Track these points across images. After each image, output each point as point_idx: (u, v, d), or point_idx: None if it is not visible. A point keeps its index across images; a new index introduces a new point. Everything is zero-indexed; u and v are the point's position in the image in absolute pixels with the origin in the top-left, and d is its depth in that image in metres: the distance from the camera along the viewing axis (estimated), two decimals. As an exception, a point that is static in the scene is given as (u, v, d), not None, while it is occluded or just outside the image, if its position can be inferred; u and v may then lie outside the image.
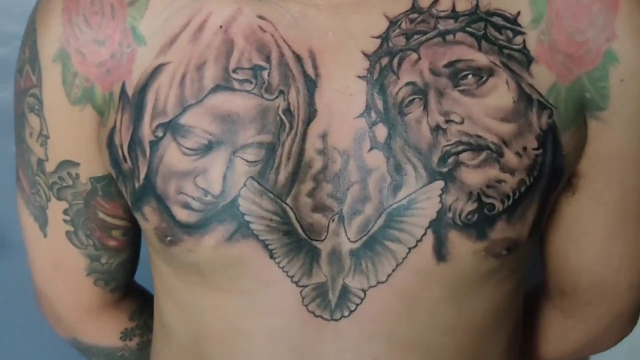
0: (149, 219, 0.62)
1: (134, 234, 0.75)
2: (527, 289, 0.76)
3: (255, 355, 0.63)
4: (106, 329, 0.81)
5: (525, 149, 0.61)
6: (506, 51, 0.61)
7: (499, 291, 0.65)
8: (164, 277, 0.68)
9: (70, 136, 0.66)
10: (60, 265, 0.75)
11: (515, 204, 0.60)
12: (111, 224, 0.72)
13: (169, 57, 0.61)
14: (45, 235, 0.73)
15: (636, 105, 0.64)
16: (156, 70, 0.61)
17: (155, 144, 0.61)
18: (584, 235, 0.71)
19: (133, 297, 0.81)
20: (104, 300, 0.78)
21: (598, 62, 0.62)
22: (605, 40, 0.62)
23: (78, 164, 0.68)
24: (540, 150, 0.61)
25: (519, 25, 0.62)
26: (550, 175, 0.62)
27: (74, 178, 0.68)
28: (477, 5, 0.61)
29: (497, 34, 0.61)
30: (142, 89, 0.61)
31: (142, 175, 0.61)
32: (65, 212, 0.71)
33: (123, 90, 0.62)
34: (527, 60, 0.61)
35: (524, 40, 0.61)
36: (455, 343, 0.64)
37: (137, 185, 0.62)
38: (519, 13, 0.62)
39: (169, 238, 0.61)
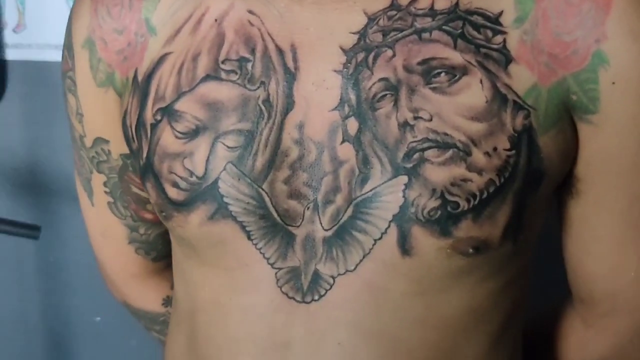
0: (150, 195, 0.68)
1: None
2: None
3: (232, 329, 0.67)
4: (150, 295, 0.88)
5: (495, 149, 0.60)
6: (483, 50, 0.61)
7: (477, 291, 0.65)
8: (174, 249, 0.74)
9: (100, 115, 0.74)
10: (107, 233, 0.83)
11: (482, 203, 0.60)
12: (144, 197, 0.78)
13: (172, 47, 0.67)
14: (92, 205, 0.82)
15: (630, 109, 0.61)
16: (161, 59, 0.67)
17: (154, 126, 0.67)
18: (595, 243, 0.69)
19: None
20: (146, 268, 0.86)
21: (586, 63, 0.60)
22: (594, 41, 0.60)
23: (108, 141, 0.75)
24: (513, 152, 0.61)
25: (500, 25, 0.61)
26: (526, 177, 0.61)
27: (107, 154, 0.76)
28: (457, 3, 0.61)
29: (475, 33, 0.61)
30: (149, 76, 0.68)
31: (144, 155, 0.68)
32: (104, 184, 0.79)
33: (135, 76, 0.69)
34: (506, 60, 0.61)
35: (504, 40, 0.61)
36: (423, 337, 0.64)
37: (141, 163, 0.68)
38: (501, 12, 0.61)
39: (163, 213, 0.67)
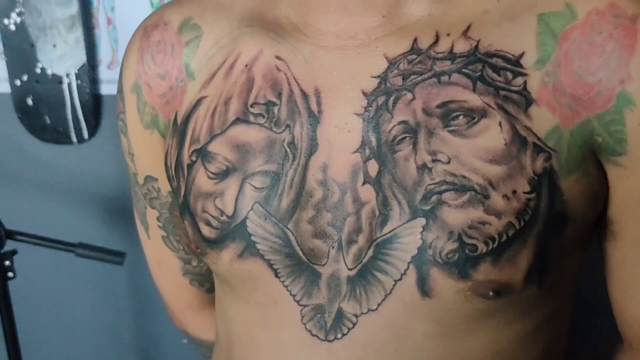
0: (188, 232, 0.71)
1: None
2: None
3: None
4: (205, 325, 0.91)
5: (515, 192, 0.60)
6: (503, 92, 0.60)
7: (503, 333, 0.64)
8: (216, 284, 0.77)
9: (148, 155, 0.78)
10: (163, 264, 0.87)
11: (502, 246, 0.60)
12: None
13: (208, 92, 0.70)
14: (149, 237, 0.86)
15: None
16: (197, 103, 0.70)
17: (190, 167, 0.70)
18: (637, 286, 0.67)
19: None
20: (201, 299, 0.89)
21: (610, 104, 0.59)
22: (619, 82, 0.59)
23: (157, 179, 0.79)
24: (533, 194, 0.60)
25: (521, 67, 0.61)
26: (548, 221, 0.60)
27: (157, 191, 0.80)
28: (476, 47, 0.61)
29: (494, 75, 0.61)
30: (187, 118, 0.71)
31: (182, 193, 0.71)
32: (157, 219, 0.83)
33: (175, 119, 0.72)
34: (527, 102, 0.60)
35: (524, 82, 0.60)
36: None
37: (180, 201, 0.72)
38: (522, 54, 0.61)
39: (199, 250, 0.70)
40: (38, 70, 1.48)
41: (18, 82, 1.50)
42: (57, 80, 1.48)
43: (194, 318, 0.91)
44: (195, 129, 0.70)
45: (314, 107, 0.65)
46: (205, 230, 0.68)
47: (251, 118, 0.67)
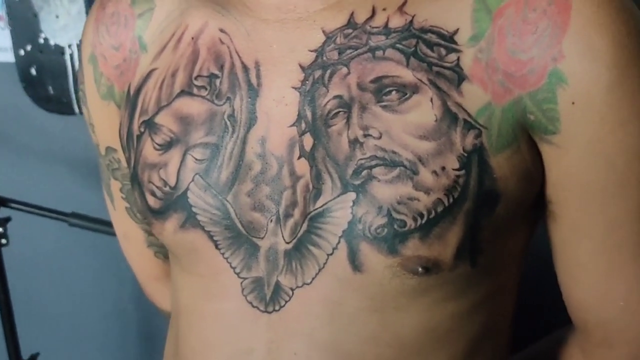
0: (137, 202, 0.72)
1: None
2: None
3: (205, 334, 0.70)
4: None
5: (444, 168, 0.59)
6: (435, 69, 0.60)
7: (437, 311, 0.64)
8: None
9: (107, 125, 0.79)
10: (128, 236, 0.89)
11: (430, 223, 0.59)
12: None
13: (158, 64, 0.70)
14: (115, 209, 0.87)
15: (593, 130, 0.58)
16: (148, 75, 0.71)
17: (139, 138, 0.70)
18: (580, 270, 0.66)
19: None
20: (166, 271, 0.90)
21: (542, 82, 0.58)
22: (551, 60, 0.58)
23: (116, 150, 0.80)
24: (462, 171, 0.59)
25: (455, 43, 0.60)
26: (478, 198, 0.60)
27: (117, 162, 0.81)
28: (411, 22, 0.61)
29: (428, 51, 0.60)
30: (138, 90, 0.72)
31: (132, 164, 0.72)
32: (120, 190, 0.84)
33: (128, 90, 0.73)
34: (459, 78, 0.60)
35: (458, 58, 0.60)
36: (377, 353, 0.64)
37: (131, 172, 0.72)
38: (457, 30, 0.60)
39: (146, 220, 0.71)
40: (41, 41, 1.50)
41: (22, 52, 1.52)
42: (60, 51, 1.50)
43: (159, 289, 0.92)
44: (145, 101, 0.70)
45: (254, 80, 0.65)
46: (151, 201, 0.69)
47: (195, 90, 0.67)
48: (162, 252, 0.88)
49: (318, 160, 0.62)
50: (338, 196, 0.61)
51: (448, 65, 0.60)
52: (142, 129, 0.70)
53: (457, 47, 0.60)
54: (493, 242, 0.62)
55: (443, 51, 0.60)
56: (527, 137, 0.60)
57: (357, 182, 0.60)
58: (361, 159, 0.60)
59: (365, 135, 0.60)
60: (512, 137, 0.60)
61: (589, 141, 0.59)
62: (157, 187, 0.68)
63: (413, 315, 0.64)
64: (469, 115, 0.59)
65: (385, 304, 0.63)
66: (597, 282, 0.65)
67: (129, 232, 0.88)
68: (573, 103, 0.58)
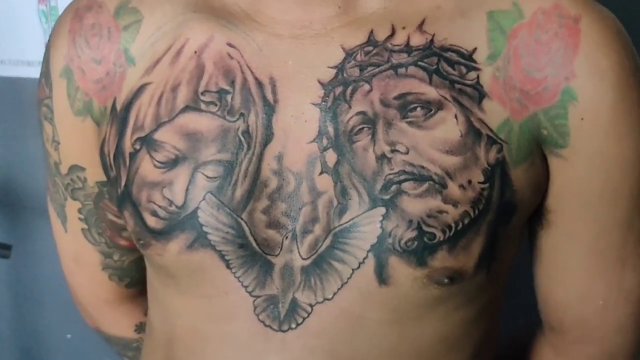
0: (128, 223, 0.69)
1: None
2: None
3: (210, 357, 0.68)
4: (122, 321, 0.88)
5: (470, 182, 0.62)
6: (457, 86, 0.62)
7: (450, 319, 0.66)
8: (150, 277, 0.75)
9: (77, 143, 0.74)
10: (80, 259, 0.83)
11: (457, 234, 0.62)
12: (120, 224, 0.78)
13: (152, 78, 0.67)
14: (66, 231, 0.82)
15: (597, 143, 0.63)
16: (140, 89, 0.68)
17: (133, 155, 0.67)
18: (565, 272, 0.71)
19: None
20: (120, 294, 0.86)
21: (555, 99, 0.62)
22: (564, 79, 0.62)
23: (84, 169, 0.76)
24: (487, 184, 0.62)
25: (474, 61, 0.63)
26: (499, 209, 0.63)
27: (82, 181, 0.76)
28: (432, 40, 0.63)
29: (449, 69, 0.63)
30: (128, 105, 0.68)
31: (122, 183, 0.68)
32: (79, 211, 0.79)
33: (114, 105, 0.69)
34: (480, 95, 0.62)
35: (477, 76, 0.63)
36: None
37: (119, 191, 0.69)
38: (475, 49, 0.63)
39: (141, 241, 0.68)
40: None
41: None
42: None
43: (110, 314, 0.88)
44: (139, 117, 0.67)
45: (269, 96, 0.64)
46: (151, 221, 0.66)
47: (202, 106, 0.65)
48: (118, 275, 0.84)
49: (343, 176, 0.62)
50: (366, 211, 0.62)
51: (469, 82, 0.62)
52: (138, 146, 0.67)
53: (477, 65, 0.63)
54: (504, 250, 0.66)
55: (464, 69, 0.63)
56: (540, 151, 0.64)
57: (386, 197, 0.61)
58: (389, 174, 0.61)
59: (392, 151, 0.62)
60: (528, 151, 0.63)
61: (593, 154, 0.64)
62: (159, 206, 0.65)
63: (430, 325, 0.66)
64: (490, 130, 0.62)
65: (405, 314, 0.64)
66: (580, 283, 0.71)
67: (80, 255, 0.83)
68: (582, 119, 0.62)
